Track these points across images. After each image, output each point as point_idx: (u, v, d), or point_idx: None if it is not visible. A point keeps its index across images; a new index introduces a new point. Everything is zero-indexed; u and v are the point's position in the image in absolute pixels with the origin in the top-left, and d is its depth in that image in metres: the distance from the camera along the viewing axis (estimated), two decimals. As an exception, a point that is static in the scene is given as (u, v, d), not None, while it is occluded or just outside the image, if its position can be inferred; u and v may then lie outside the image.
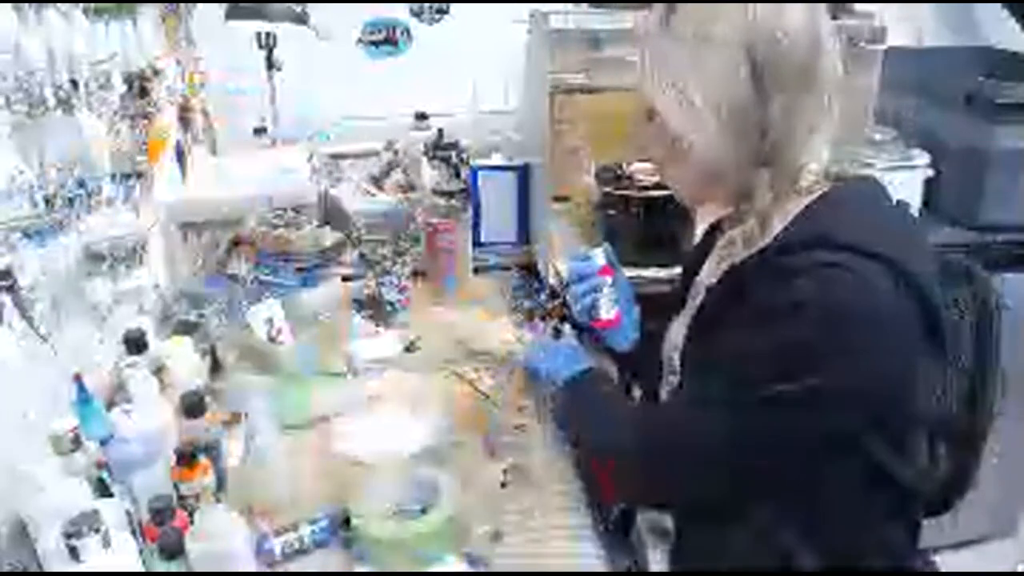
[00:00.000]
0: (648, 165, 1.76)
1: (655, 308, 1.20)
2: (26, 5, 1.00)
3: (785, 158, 0.90)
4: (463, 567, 1.02)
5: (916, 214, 1.84)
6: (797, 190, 0.92)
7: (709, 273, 1.06)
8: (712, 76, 0.86)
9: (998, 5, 2.18)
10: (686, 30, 0.87)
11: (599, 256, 1.18)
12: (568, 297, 1.21)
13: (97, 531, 0.81)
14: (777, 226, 0.92)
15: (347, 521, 1.06)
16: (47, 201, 1.03)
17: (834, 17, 0.93)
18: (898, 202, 1.00)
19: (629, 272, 1.78)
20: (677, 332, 1.09)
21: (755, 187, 0.90)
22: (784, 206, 0.92)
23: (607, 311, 1.16)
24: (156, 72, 1.40)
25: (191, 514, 0.99)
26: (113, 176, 1.18)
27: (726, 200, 0.98)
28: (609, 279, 1.17)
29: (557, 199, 1.94)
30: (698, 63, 0.86)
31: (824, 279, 0.82)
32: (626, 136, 1.93)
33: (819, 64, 0.87)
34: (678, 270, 1.20)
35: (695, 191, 1.02)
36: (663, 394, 1.12)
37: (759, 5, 0.85)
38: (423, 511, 1.05)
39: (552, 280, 1.78)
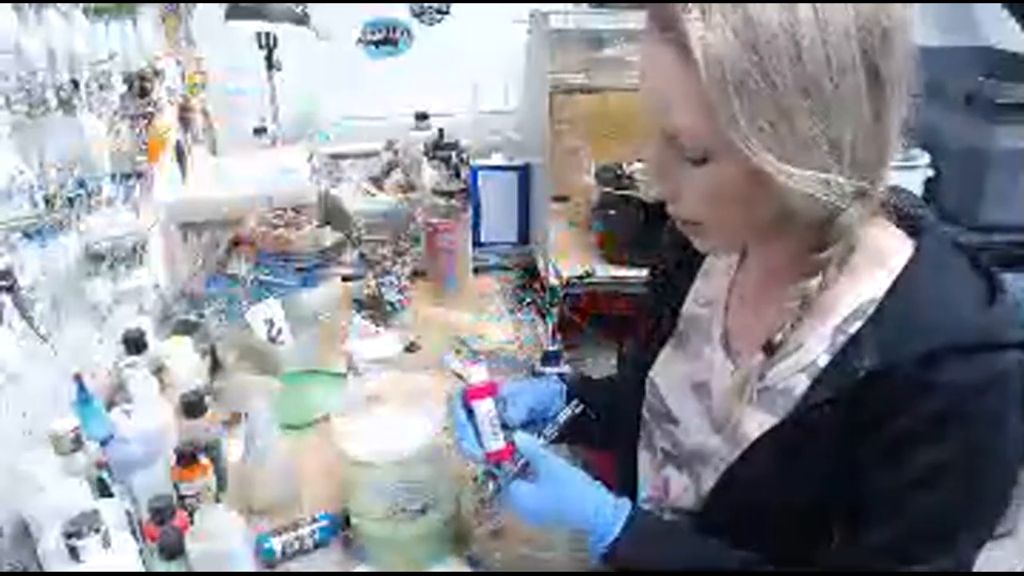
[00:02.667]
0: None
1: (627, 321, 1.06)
2: (26, 5, 1.00)
3: (877, 184, 0.71)
4: (463, 567, 1.02)
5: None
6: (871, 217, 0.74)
7: (698, 297, 0.93)
8: (824, 94, 0.64)
9: (998, 5, 2.19)
10: (777, 46, 0.63)
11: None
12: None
13: (97, 531, 0.81)
14: (866, 280, 0.74)
15: (347, 521, 1.06)
16: (47, 201, 1.04)
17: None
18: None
19: (628, 272, 1.80)
20: (674, 369, 0.92)
21: (845, 226, 0.71)
22: (862, 248, 0.74)
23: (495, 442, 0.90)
24: (156, 72, 1.40)
25: (191, 514, 0.99)
26: (113, 176, 1.18)
27: (790, 247, 0.76)
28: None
29: (557, 199, 1.94)
30: (804, 82, 0.64)
31: (1007, 386, 0.68)
32: (626, 137, 1.94)
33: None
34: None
35: (750, 239, 0.81)
36: (657, 435, 0.93)
37: None
38: (423, 511, 1.05)
39: (552, 280, 1.78)
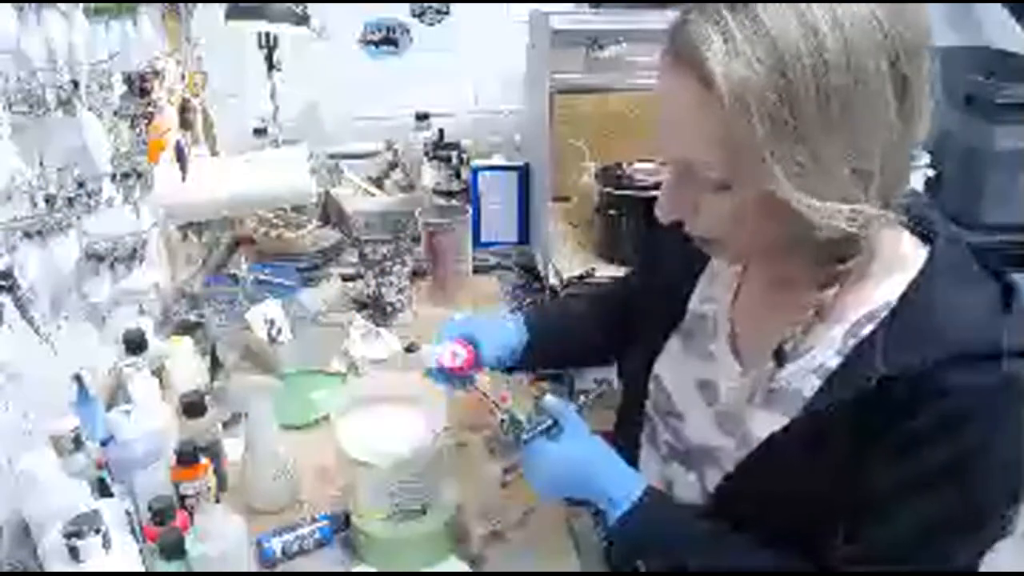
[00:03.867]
0: (649, 165, 1.77)
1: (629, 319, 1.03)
2: (26, 5, 0.99)
3: (898, 194, 0.70)
4: (463, 567, 1.02)
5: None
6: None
7: (704, 296, 0.92)
8: (854, 125, 0.63)
9: (998, 5, 2.19)
10: (803, 74, 0.61)
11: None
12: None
13: (97, 531, 0.81)
14: (879, 284, 0.74)
15: (347, 521, 1.06)
16: (47, 201, 1.03)
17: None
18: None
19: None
20: (680, 366, 0.92)
21: (864, 239, 0.70)
22: (881, 253, 0.74)
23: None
24: (156, 72, 1.40)
25: (191, 514, 0.99)
26: (113, 176, 1.18)
27: (807, 258, 0.76)
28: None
29: (557, 199, 1.94)
30: (832, 112, 0.62)
31: (1015, 392, 0.68)
32: (626, 137, 1.94)
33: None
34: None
35: (767, 253, 0.80)
36: (660, 429, 0.94)
37: (880, 10, 0.62)
38: (423, 511, 1.05)
39: (552, 280, 1.78)
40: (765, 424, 0.79)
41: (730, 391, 0.85)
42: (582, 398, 0.98)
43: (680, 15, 0.67)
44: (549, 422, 0.89)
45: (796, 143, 0.63)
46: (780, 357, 0.77)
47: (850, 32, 0.61)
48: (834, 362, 0.75)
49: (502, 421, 0.92)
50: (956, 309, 0.70)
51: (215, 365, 1.44)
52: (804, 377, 0.77)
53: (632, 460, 0.95)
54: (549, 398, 0.92)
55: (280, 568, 1.04)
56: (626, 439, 0.97)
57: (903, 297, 0.72)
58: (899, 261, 0.75)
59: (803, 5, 0.62)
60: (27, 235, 1.01)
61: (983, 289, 0.72)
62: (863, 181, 0.65)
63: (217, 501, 1.06)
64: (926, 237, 0.76)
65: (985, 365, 0.67)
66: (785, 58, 0.61)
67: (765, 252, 0.80)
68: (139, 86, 1.31)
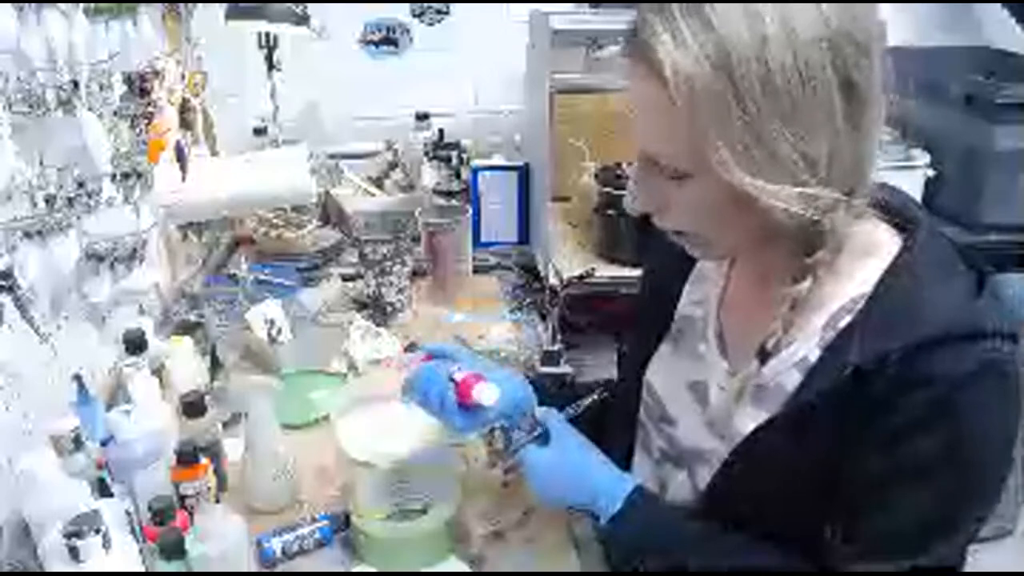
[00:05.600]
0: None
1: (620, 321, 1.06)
2: (26, 5, 0.99)
3: (860, 190, 0.72)
4: (463, 567, 1.02)
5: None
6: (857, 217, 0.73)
7: (691, 298, 0.93)
8: (797, 113, 0.65)
9: (998, 5, 2.18)
10: (748, 69, 0.64)
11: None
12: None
13: (97, 531, 0.81)
14: (855, 274, 0.75)
15: (347, 521, 1.06)
16: (47, 201, 1.04)
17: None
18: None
19: (628, 272, 1.80)
20: (670, 370, 0.93)
21: (832, 231, 0.71)
22: (850, 244, 0.75)
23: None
24: (156, 72, 1.40)
25: (191, 514, 0.99)
26: (113, 176, 1.18)
27: (780, 252, 0.76)
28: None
29: (557, 199, 1.94)
30: (776, 102, 0.64)
31: (998, 375, 0.68)
32: (626, 137, 1.94)
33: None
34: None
35: (738, 247, 0.82)
36: (654, 435, 0.94)
37: (827, 9, 0.65)
38: (423, 511, 1.05)
39: (552, 280, 1.78)
40: (752, 422, 0.79)
41: (720, 391, 0.85)
42: (582, 403, 0.98)
43: (637, 14, 0.70)
44: (539, 431, 0.91)
45: (744, 132, 0.65)
46: (763, 354, 0.78)
47: (793, 19, 0.64)
48: (815, 355, 0.75)
49: (492, 430, 0.94)
50: (932, 296, 0.71)
51: (215, 365, 1.44)
52: (787, 372, 0.77)
53: (625, 466, 0.95)
54: (539, 408, 0.93)
55: (280, 568, 1.04)
56: (619, 446, 0.97)
57: (879, 285, 0.73)
58: (875, 251, 0.75)
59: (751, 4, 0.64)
60: (27, 235, 1.01)
61: (959, 277, 0.73)
62: (812, 168, 0.67)
63: (217, 501, 1.06)
64: (904, 229, 0.77)
65: (963, 350, 0.67)
66: (731, 52, 0.64)
67: (741, 246, 0.81)
68: (139, 86, 1.31)
